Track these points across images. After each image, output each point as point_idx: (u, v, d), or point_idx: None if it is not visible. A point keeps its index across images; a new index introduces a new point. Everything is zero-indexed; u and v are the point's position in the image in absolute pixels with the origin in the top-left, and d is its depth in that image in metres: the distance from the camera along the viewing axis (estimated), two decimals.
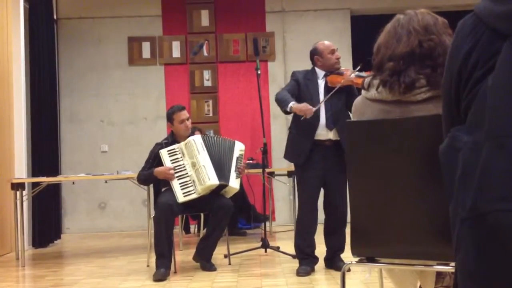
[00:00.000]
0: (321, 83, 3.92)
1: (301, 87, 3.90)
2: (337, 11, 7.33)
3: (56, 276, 4.30)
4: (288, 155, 4.05)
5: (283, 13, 7.34)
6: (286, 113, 3.85)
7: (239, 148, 4.34)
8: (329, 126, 3.80)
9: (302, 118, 3.70)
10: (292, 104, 3.71)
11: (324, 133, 3.83)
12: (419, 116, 1.83)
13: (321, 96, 3.87)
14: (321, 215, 3.99)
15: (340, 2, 7.33)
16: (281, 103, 3.80)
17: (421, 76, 1.87)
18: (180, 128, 4.23)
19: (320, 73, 3.94)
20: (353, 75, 3.73)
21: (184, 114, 4.24)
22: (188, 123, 4.26)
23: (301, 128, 3.85)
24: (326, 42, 4.02)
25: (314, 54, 3.97)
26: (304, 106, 3.70)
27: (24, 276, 4.45)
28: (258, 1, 7.32)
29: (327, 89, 3.87)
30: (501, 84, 1.00)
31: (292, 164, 4.14)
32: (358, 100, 2.09)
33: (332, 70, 3.92)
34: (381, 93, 1.94)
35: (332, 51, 3.94)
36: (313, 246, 3.93)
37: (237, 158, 4.28)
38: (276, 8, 7.34)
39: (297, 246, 3.96)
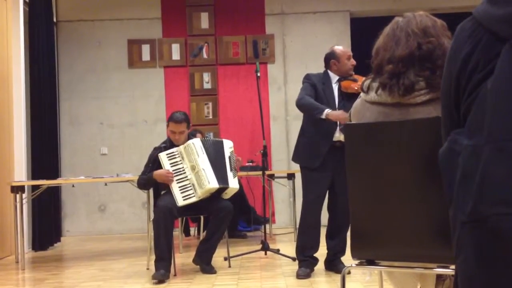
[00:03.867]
0: (335, 87, 3.91)
1: (317, 91, 3.87)
2: (337, 13, 7.34)
3: (56, 279, 4.30)
4: (300, 158, 3.96)
5: (282, 16, 7.35)
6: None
7: (228, 146, 4.32)
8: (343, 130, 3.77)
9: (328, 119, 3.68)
10: (328, 111, 3.69)
11: (336, 135, 3.81)
12: (418, 119, 1.83)
13: (337, 101, 3.86)
14: (323, 217, 3.97)
15: (340, 4, 7.34)
16: (313, 110, 3.76)
17: (420, 79, 1.87)
18: (169, 135, 4.24)
19: (334, 77, 3.92)
20: None
21: (176, 127, 4.12)
22: (179, 136, 4.13)
23: (319, 132, 3.82)
24: (343, 47, 4.01)
25: (331, 58, 3.93)
26: (342, 114, 3.66)
27: (24, 279, 4.44)
28: (257, 3, 7.32)
29: (341, 93, 3.87)
30: (501, 87, 1.00)
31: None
32: (357, 103, 2.09)
33: (346, 75, 3.91)
34: (380, 95, 1.94)
35: (349, 57, 3.93)
36: (316, 248, 3.91)
37: (229, 157, 4.27)
38: (276, 11, 7.35)
39: (299, 248, 3.92)
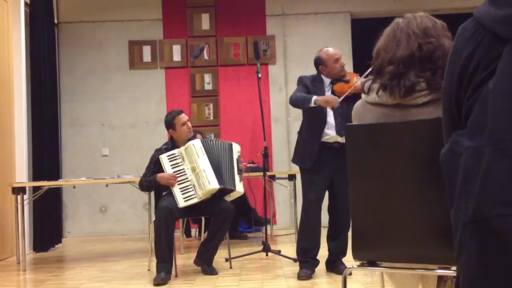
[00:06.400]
0: (328, 91, 3.90)
1: (310, 92, 3.88)
2: (338, 14, 7.34)
3: (57, 281, 4.30)
4: (295, 159, 4.02)
5: (283, 17, 7.35)
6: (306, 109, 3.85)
7: (236, 149, 4.33)
8: (340, 133, 3.77)
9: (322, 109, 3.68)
10: (315, 97, 3.71)
11: (333, 136, 3.82)
12: (419, 120, 1.83)
13: None
14: (324, 218, 3.97)
15: (341, 5, 7.34)
16: (302, 101, 3.79)
17: (421, 80, 1.87)
18: (183, 131, 4.23)
19: (326, 80, 3.93)
20: (359, 83, 3.69)
21: (184, 116, 4.28)
22: (189, 124, 4.30)
23: (309, 131, 3.86)
24: (330, 50, 3.94)
25: (319, 63, 3.93)
26: (330, 96, 3.69)
27: (25, 281, 4.45)
28: (258, 4, 7.33)
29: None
30: (502, 89, 1.00)
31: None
32: (358, 104, 2.08)
33: (338, 77, 3.90)
34: (381, 97, 1.94)
35: (336, 60, 3.89)
36: (317, 249, 3.91)
37: (237, 160, 4.28)
38: (277, 12, 7.35)
39: (300, 249, 3.92)
